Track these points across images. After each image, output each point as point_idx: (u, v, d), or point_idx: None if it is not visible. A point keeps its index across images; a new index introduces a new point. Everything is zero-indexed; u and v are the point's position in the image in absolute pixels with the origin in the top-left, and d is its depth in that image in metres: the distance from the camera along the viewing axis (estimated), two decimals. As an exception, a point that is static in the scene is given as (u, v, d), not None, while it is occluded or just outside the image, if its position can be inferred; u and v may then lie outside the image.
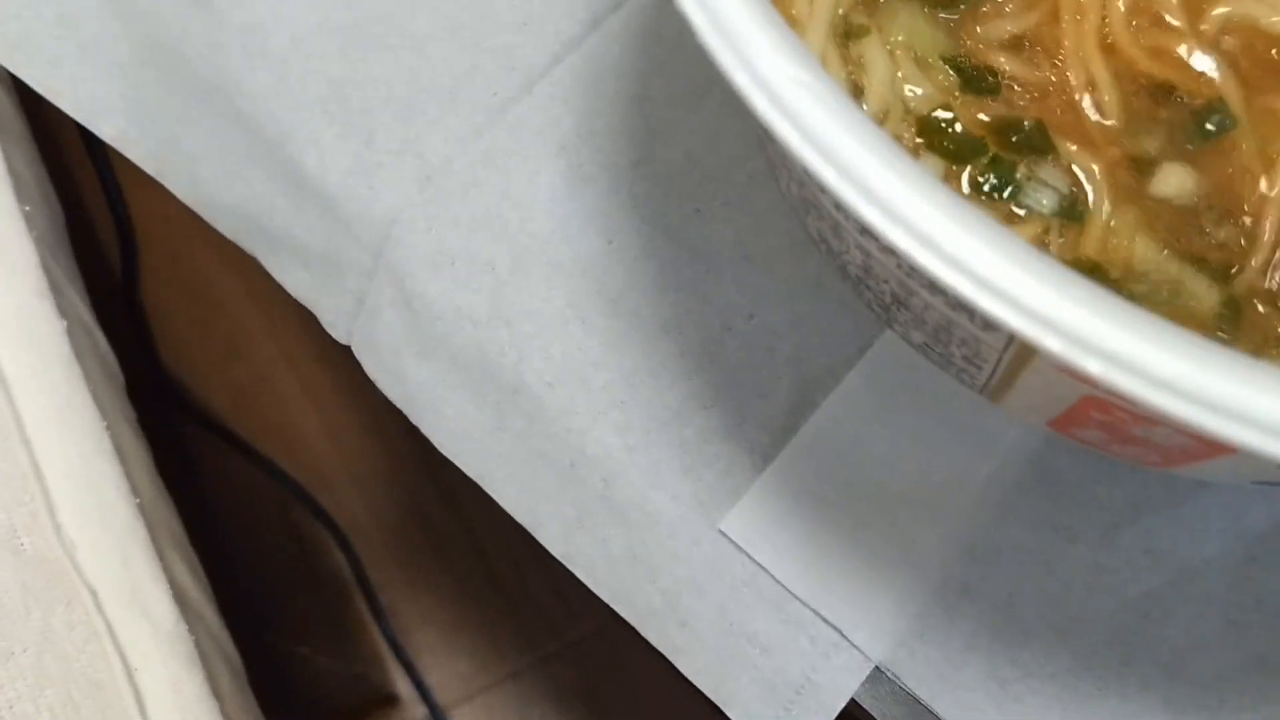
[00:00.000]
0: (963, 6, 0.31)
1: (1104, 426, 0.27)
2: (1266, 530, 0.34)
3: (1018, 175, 0.29)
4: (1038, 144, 0.30)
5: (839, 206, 0.26)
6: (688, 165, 0.39)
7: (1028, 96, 0.30)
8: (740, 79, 0.22)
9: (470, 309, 0.38)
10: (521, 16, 0.41)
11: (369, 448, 0.88)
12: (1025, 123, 0.30)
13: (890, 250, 0.25)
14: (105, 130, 0.43)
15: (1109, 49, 0.30)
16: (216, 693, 0.38)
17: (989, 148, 0.29)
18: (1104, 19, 0.30)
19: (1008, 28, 0.30)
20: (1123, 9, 0.30)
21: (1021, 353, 0.25)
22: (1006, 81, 0.30)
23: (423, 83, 0.40)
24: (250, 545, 0.83)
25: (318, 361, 0.90)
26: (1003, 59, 0.30)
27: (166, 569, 0.39)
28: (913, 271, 0.25)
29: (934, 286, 0.25)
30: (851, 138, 0.21)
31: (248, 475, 0.82)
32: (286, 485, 0.79)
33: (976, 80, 0.30)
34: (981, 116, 0.30)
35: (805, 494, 0.34)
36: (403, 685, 0.86)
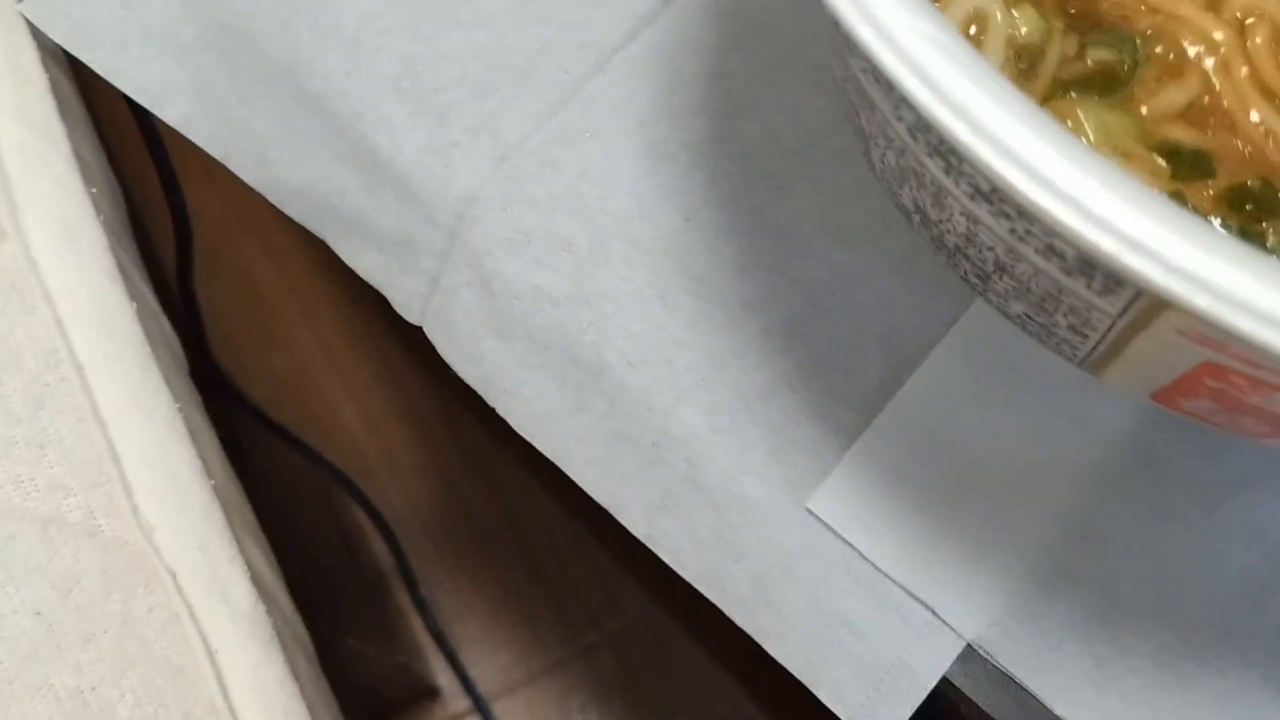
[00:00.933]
0: (1123, 87, 0.28)
1: (1216, 395, 0.26)
2: (1365, 506, 0.33)
3: (1269, 245, 0.26)
4: (1271, 202, 0.27)
5: (949, 171, 0.26)
6: (768, 142, 0.38)
7: (1234, 161, 0.28)
8: (864, 33, 0.21)
9: (549, 288, 0.37)
10: (592, -8, 0.41)
11: (407, 438, 0.88)
12: (1249, 183, 0.27)
13: (1012, 214, 0.24)
14: (170, 113, 0.43)
15: (1270, 93, 0.28)
16: (295, 676, 0.38)
17: (1231, 227, 0.27)
18: (1252, 65, 0.28)
19: (1174, 99, 0.28)
20: (1261, 45, 0.28)
21: (1139, 318, 0.25)
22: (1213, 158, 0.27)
23: (495, 60, 0.40)
24: (296, 534, 0.82)
25: (355, 351, 0.90)
26: (1179, 132, 0.28)
27: (241, 551, 0.39)
28: (1027, 235, 0.25)
29: (1050, 250, 0.25)
30: (984, 93, 0.20)
31: (291, 464, 0.81)
32: (334, 475, 0.78)
33: (1192, 165, 0.27)
34: (1208, 192, 0.27)
35: (895, 472, 0.34)
36: (444, 677, 0.86)
